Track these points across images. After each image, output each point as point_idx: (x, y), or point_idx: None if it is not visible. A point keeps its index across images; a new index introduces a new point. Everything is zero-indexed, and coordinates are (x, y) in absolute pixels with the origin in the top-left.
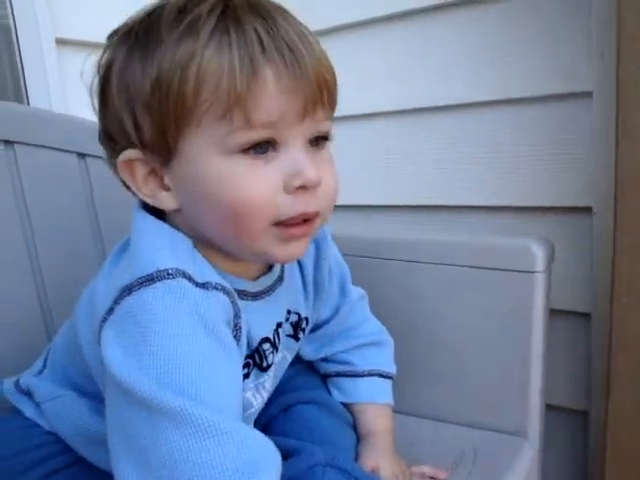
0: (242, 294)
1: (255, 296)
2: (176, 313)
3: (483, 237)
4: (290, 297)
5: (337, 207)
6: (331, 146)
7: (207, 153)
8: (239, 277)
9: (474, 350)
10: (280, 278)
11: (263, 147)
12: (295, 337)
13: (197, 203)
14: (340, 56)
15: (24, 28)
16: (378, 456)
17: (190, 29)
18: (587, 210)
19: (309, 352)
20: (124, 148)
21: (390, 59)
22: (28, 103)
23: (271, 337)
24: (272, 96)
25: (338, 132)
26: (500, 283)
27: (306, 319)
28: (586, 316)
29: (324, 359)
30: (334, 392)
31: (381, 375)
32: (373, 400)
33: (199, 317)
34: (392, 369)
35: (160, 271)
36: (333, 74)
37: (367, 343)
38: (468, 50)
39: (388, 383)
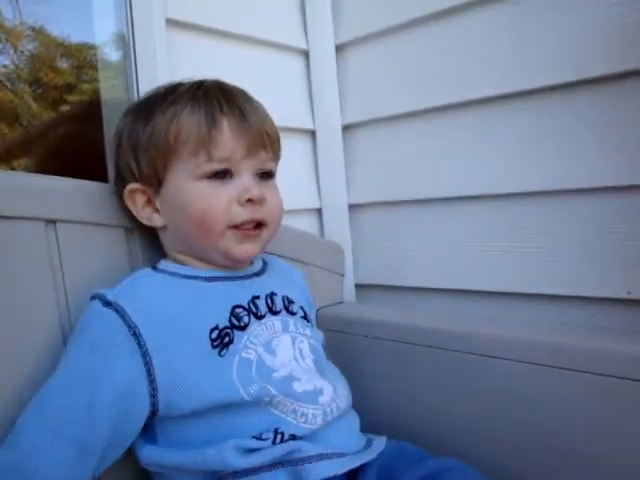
0: (211, 279)
1: (220, 279)
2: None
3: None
4: (281, 286)
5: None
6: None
7: (184, 180)
8: (208, 269)
9: None
10: (259, 272)
11: (222, 175)
12: (306, 319)
13: (177, 216)
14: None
15: None
16: None
17: (174, 100)
18: None
19: None
20: (129, 184)
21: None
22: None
23: (245, 305)
24: (226, 139)
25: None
26: None
27: (302, 307)
28: None
29: None
30: None
31: None
32: None
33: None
34: None
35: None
36: (274, 128)
37: None
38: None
39: None
